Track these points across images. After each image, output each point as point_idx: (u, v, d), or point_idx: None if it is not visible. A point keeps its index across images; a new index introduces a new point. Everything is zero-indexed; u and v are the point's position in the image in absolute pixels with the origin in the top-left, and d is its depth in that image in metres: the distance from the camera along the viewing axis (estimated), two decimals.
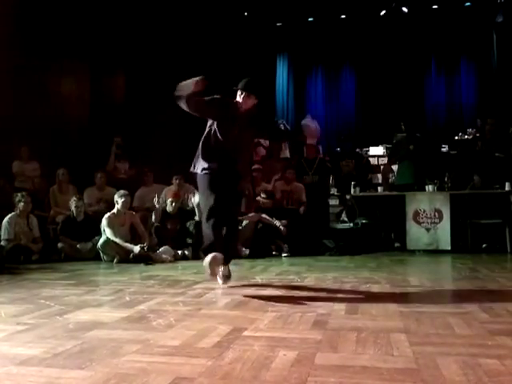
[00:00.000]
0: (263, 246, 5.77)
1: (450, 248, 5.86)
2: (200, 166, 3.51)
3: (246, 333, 2.19)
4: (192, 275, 4.36)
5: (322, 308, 2.73)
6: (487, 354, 1.83)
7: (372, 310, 2.66)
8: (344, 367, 1.70)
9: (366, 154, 9.92)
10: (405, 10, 12.08)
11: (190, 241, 5.94)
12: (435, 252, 5.87)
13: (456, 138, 10.68)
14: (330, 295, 3.13)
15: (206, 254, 3.41)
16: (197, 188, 4.00)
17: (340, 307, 2.75)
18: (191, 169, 3.60)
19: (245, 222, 5.81)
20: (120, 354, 1.90)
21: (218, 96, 3.56)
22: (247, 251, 5.59)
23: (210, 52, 9.76)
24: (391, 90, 12.65)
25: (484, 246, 5.96)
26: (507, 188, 5.94)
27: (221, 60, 10.12)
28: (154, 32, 8.84)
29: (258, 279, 3.92)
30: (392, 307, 2.74)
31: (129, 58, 8.85)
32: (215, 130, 3.47)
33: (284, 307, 2.77)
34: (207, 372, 1.67)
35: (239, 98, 3.53)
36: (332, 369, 1.69)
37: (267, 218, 5.90)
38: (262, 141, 10.73)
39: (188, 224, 6.00)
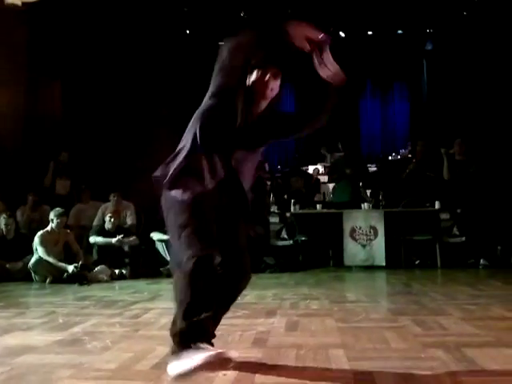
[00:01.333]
0: None
1: (384, 264, 6.05)
2: None
3: None
4: (129, 295, 4.23)
5: (262, 326, 2.73)
6: (421, 366, 1.90)
7: (311, 327, 2.70)
8: None
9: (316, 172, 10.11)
10: (342, 34, 12.56)
11: (127, 260, 5.79)
12: (371, 268, 6.04)
13: (390, 158, 11.17)
14: (270, 312, 3.14)
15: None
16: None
17: (280, 324, 2.77)
18: None
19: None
20: (52, 379, 1.81)
21: None
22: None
23: (152, 63, 9.66)
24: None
25: (417, 261, 6.21)
26: (437, 206, 6.25)
27: (161, 72, 10.03)
28: (93, 40, 8.62)
29: None
30: (331, 323, 2.79)
31: (66, 68, 8.56)
32: None
33: (224, 326, 2.73)
34: None
35: None
36: None
37: None
38: None
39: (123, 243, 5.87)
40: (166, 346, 2.26)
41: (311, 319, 2.90)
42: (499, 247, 6.17)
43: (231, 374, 1.83)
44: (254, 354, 2.12)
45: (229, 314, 3.08)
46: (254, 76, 1.96)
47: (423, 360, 2.00)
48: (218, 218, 1.89)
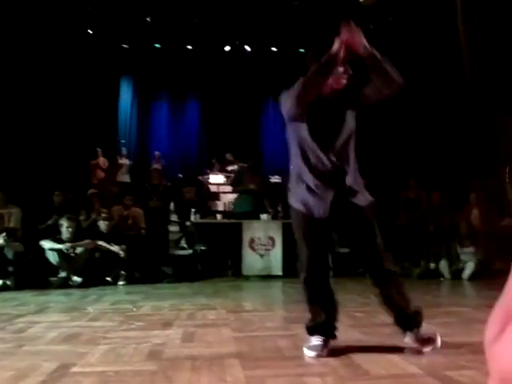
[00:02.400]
0: (98, 274, 5.46)
1: (281, 273, 6.22)
2: None
3: (74, 369, 2.05)
4: (13, 308, 3.92)
5: (157, 338, 2.67)
6: (311, 372, 1.98)
7: (207, 337, 2.69)
8: None
9: (207, 181, 10.14)
10: (248, 48, 12.82)
11: (11, 268, 5.36)
12: (268, 277, 6.18)
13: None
14: (167, 324, 3.08)
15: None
16: None
17: (176, 336, 2.73)
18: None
19: (79, 250, 5.45)
20: None
21: None
22: (79, 280, 5.24)
23: (51, 65, 9.16)
24: (233, 120, 13.25)
25: None
26: None
27: (61, 75, 9.56)
28: None
29: (90, 309, 3.69)
30: (227, 333, 2.81)
31: None
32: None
33: (117, 339, 2.65)
34: None
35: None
36: None
37: (104, 244, 5.63)
38: (100, 163, 10.33)
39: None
40: (53, 361, 2.14)
41: (208, 330, 2.90)
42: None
43: None
44: (149, 367, 2.07)
45: (123, 327, 3.00)
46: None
47: (314, 366, 2.09)
48: None
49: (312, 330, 2.40)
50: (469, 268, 5.93)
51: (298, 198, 2.41)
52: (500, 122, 8.32)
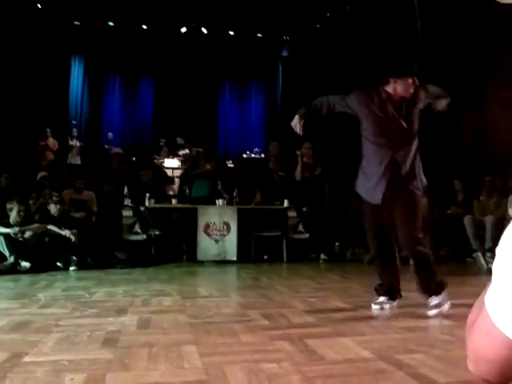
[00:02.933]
0: (48, 259, 5.30)
1: (236, 259, 6.25)
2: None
3: (26, 358, 1.99)
4: None
5: (112, 325, 2.64)
6: (268, 358, 2.01)
7: (163, 324, 2.68)
8: None
9: (162, 165, 10.03)
10: (204, 31, 12.64)
11: None
12: (223, 262, 6.20)
13: (244, 155, 11.56)
14: (121, 310, 3.04)
15: None
16: None
17: (131, 323, 2.70)
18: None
19: (28, 234, 5.27)
20: None
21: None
22: (27, 265, 5.07)
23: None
24: (188, 103, 13.09)
25: (265, 256, 6.53)
26: (286, 204, 6.64)
27: (9, 51, 9.11)
28: None
29: (41, 296, 3.59)
30: (183, 319, 2.80)
31: None
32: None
33: (70, 327, 2.60)
34: None
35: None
36: None
37: (54, 228, 5.46)
38: (50, 145, 9.97)
39: None
40: (3, 351, 2.08)
41: (163, 316, 2.89)
42: (337, 243, 6.78)
43: (79, 377, 1.75)
44: (104, 355, 2.05)
45: (76, 314, 2.94)
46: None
47: (270, 352, 2.12)
48: None
49: (379, 292, 3.14)
50: None
51: (361, 187, 3.07)
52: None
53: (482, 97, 8.77)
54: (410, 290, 4.04)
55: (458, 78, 8.03)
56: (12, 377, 1.76)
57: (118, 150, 9.91)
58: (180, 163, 10.58)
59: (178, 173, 9.62)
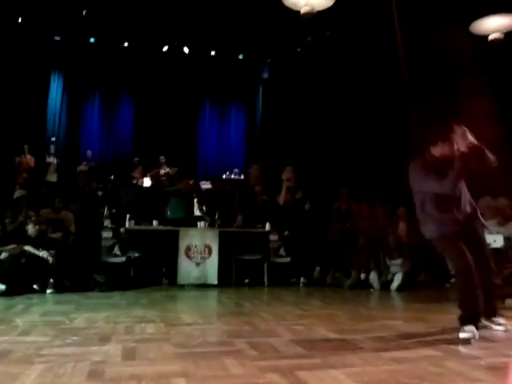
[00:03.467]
0: (24, 281, 5.14)
1: (216, 282, 6.18)
2: None
3: None
4: None
5: (96, 355, 2.56)
6: None
7: (149, 354, 2.61)
8: None
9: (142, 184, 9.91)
10: (186, 50, 12.69)
11: None
12: (203, 286, 6.11)
13: (224, 176, 11.53)
14: (104, 338, 2.96)
15: None
16: None
17: (116, 352, 2.63)
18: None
19: (3, 255, 5.12)
20: None
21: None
22: (3, 287, 4.90)
23: None
24: (168, 123, 13.04)
25: (246, 280, 6.47)
26: (267, 228, 6.63)
27: None
28: None
29: (19, 322, 3.47)
30: (169, 349, 2.74)
31: None
32: None
33: (53, 356, 2.51)
34: None
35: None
36: None
37: (31, 249, 5.31)
38: (27, 161, 9.78)
39: None
40: None
41: (148, 345, 2.82)
42: (318, 268, 6.78)
43: None
44: None
45: (57, 342, 2.84)
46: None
47: None
48: None
49: (466, 321, 3.11)
50: (397, 279, 6.20)
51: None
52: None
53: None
54: (394, 318, 4.07)
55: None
56: None
57: (82, 167, 9.78)
58: (153, 182, 10.43)
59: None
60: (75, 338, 2.97)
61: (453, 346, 2.90)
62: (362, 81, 9.53)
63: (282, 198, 6.83)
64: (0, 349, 2.64)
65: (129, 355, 2.58)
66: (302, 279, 6.59)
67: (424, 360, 2.59)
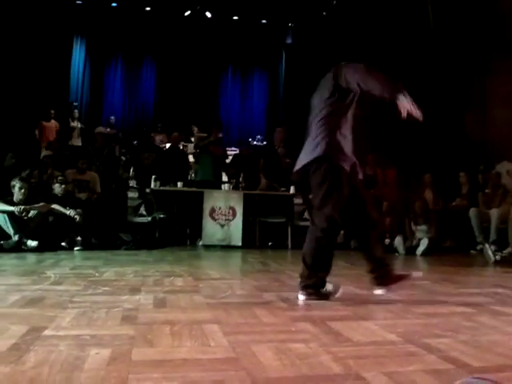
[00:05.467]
0: (53, 239, 5.24)
1: (240, 244, 6.21)
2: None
3: (46, 332, 1.94)
4: None
5: (127, 303, 2.59)
6: (294, 339, 1.97)
7: (180, 303, 2.64)
8: (164, 361, 1.63)
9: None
10: (208, 15, 12.49)
11: None
12: (227, 247, 6.16)
13: (250, 141, 11.47)
14: (135, 289, 2.99)
15: None
16: None
17: (147, 301, 2.66)
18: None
19: (32, 213, 5.20)
20: None
21: None
22: (34, 243, 5.00)
23: None
24: (190, 88, 12.97)
25: (270, 243, 6.49)
26: (292, 191, 6.60)
27: (11, 31, 8.95)
28: None
29: (50, 274, 3.54)
30: (199, 299, 2.76)
31: None
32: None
33: (85, 303, 2.55)
34: (7, 379, 1.42)
35: None
36: (152, 364, 1.60)
37: (59, 207, 5.39)
38: (53, 125, 9.86)
39: None
40: (21, 324, 2.03)
41: (178, 296, 2.84)
42: (342, 231, 6.73)
43: (104, 352, 1.70)
44: (126, 331, 2.00)
45: (88, 291, 2.89)
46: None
47: (295, 333, 2.08)
48: None
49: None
50: (423, 244, 6.14)
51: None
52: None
53: (482, 93, 8.75)
54: (421, 278, 4.03)
55: (459, 75, 8.00)
56: (36, 349, 1.71)
57: (101, 129, 9.81)
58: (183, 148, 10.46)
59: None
60: (106, 288, 3.01)
61: (484, 305, 2.86)
62: (388, 46, 9.26)
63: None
64: (34, 296, 2.69)
65: (160, 304, 2.60)
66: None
67: (456, 315, 2.55)
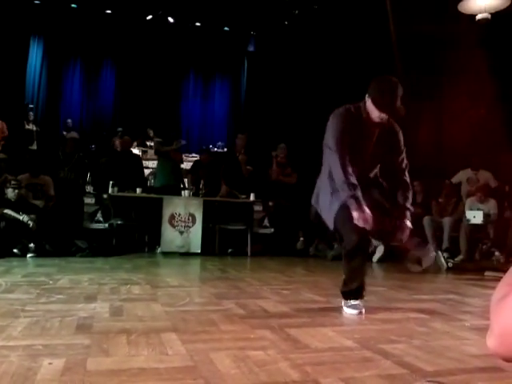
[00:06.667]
0: (3, 245, 5.04)
1: (199, 251, 6.17)
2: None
3: None
4: None
5: (83, 311, 2.53)
6: (252, 346, 1.97)
7: (137, 312, 2.59)
8: (120, 371, 1.60)
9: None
10: (171, 20, 12.41)
11: None
12: (186, 254, 6.10)
13: (211, 147, 11.44)
14: (90, 297, 2.92)
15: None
16: None
17: (103, 309, 2.60)
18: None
19: None
20: None
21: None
22: None
23: None
24: (150, 93, 12.82)
25: (230, 250, 6.48)
26: (252, 198, 6.62)
27: None
28: None
29: (1, 281, 3.41)
30: (156, 307, 2.72)
31: None
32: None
33: (38, 312, 2.47)
34: None
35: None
36: (107, 374, 1.57)
37: (11, 212, 5.21)
38: (5, 129, 9.52)
39: None
40: None
41: (135, 304, 2.79)
42: (301, 238, 6.82)
43: (58, 362, 1.65)
44: (80, 341, 1.95)
45: (42, 300, 2.80)
46: None
47: (254, 340, 2.08)
48: None
49: (358, 295, 2.84)
50: (379, 251, 6.28)
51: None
52: None
53: (439, 98, 9.07)
54: (378, 285, 4.12)
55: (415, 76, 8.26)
56: None
57: (73, 134, 9.57)
58: (140, 153, 10.31)
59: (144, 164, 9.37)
60: (60, 296, 2.93)
61: (437, 311, 2.95)
62: (349, 55, 9.46)
63: (273, 175, 6.81)
64: None
65: (116, 312, 2.55)
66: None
67: (410, 321, 2.62)
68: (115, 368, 1.64)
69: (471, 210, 6.84)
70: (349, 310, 2.79)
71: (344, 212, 2.71)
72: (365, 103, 2.77)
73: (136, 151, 10.41)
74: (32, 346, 1.84)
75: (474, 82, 8.11)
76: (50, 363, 1.64)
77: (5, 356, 1.71)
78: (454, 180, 7.70)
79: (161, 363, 1.71)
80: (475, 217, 6.69)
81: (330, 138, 2.75)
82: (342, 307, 2.88)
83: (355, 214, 2.62)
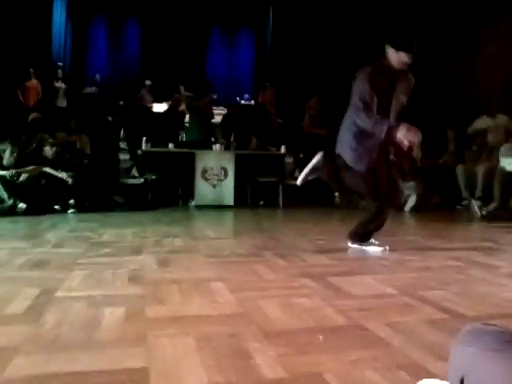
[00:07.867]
0: (45, 202, 5.23)
1: (232, 203, 6.28)
2: None
3: (59, 293, 2.01)
4: None
5: (132, 263, 2.66)
6: (297, 294, 2.07)
7: (183, 263, 2.72)
8: (178, 318, 1.72)
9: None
10: None
11: None
12: (220, 207, 6.22)
13: (238, 100, 11.37)
14: (136, 250, 3.06)
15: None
16: None
17: (150, 261, 2.73)
18: None
19: (23, 176, 5.18)
20: None
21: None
22: (23, 206, 5.00)
23: None
24: (175, 48, 12.68)
25: (261, 202, 6.57)
26: (283, 150, 6.63)
27: None
28: None
29: (50, 236, 3.58)
30: (201, 258, 2.84)
31: None
32: None
33: (91, 264, 2.62)
34: (30, 339, 1.49)
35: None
36: (166, 321, 1.68)
37: (50, 170, 5.37)
38: (34, 85, 9.65)
39: None
40: (32, 286, 2.09)
41: (180, 255, 2.92)
42: (336, 193, 6.85)
43: (119, 310, 1.78)
44: (135, 291, 2.07)
45: (91, 253, 2.95)
46: None
47: (297, 289, 2.17)
48: None
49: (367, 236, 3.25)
50: (411, 201, 6.27)
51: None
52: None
53: (472, 47, 8.73)
54: (412, 234, 4.17)
55: (449, 27, 7.95)
56: (52, 310, 1.78)
57: (91, 89, 9.65)
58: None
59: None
60: (108, 249, 3.07)
61: (473, 258, 2.99)
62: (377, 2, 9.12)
63: (306, 126, 6.77)
64: (38, 258, 2.74)
65: (164, 263, 2.67)
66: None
67: (448, 269, 2.68)
68: (172, 315, 1.75)
69: (506, 157, 6.70)
70: (373, 248, 3.20)
71: (376, 172, 3.11)
72: (386, 58, 3.01)
73: (163, 106, 10.45)
74: (92, 297, 1.97)
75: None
76: (111, 312, 1.77)
77: (70, 306, 1.84)
78: (471, 130, 7.47)
79: (214, 310, 1.82)
80: (511, 164, 6.56)
81: (357, 98, 2.99)
82: (381, 256, 3.00)
83: (403, 132, 2.86)
